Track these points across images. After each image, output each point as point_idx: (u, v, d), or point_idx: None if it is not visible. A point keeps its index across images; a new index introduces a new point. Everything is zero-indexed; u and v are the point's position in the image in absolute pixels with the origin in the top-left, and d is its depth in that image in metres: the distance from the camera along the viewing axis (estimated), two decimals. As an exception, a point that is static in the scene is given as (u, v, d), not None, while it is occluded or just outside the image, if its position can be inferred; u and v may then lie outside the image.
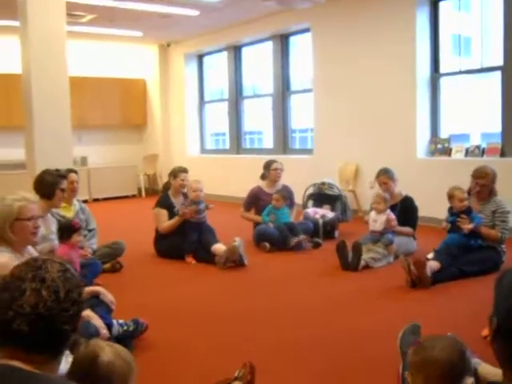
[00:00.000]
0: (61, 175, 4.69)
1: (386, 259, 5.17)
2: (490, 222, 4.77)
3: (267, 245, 5.95)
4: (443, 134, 7.49)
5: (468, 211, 4.73)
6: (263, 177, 6.62)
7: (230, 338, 3.47)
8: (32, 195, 3.36)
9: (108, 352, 1.73)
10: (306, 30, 8.96)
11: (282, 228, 5.99)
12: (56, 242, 4.27)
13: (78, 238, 4.21)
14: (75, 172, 5.39)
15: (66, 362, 1.84)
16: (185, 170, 5.92)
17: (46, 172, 4.71)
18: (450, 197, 4.85)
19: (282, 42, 9.59)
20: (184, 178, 5.85)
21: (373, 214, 5.33)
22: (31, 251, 3.14)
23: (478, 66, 7.32)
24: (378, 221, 5.26)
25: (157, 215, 5.83)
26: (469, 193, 4.86)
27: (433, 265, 4.47)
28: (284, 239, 5.92)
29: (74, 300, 1.39)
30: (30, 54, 6.46)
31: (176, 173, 5.87)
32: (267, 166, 6.57)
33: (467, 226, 4.65)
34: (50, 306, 1.33)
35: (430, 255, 4.81)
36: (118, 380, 1.70)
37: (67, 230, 4.19)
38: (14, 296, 1.33)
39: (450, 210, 4.90)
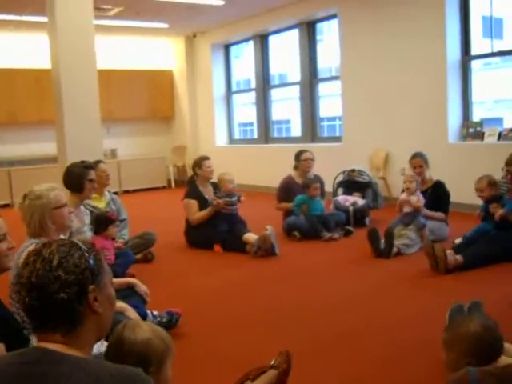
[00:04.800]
0: (87, 166, 4.67)
1: (418, 245, 5.10)
2: None
3: (297, 234, 5.92)
4: (475, 117, 7.35)
5: (497, 199, 4.64)
6: (296, 168, 6.54)
7: (264, 327, 3.47)
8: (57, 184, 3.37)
9: (146, 330, 1.74)
10: (333, 17, 8.86)
11: (314, 221, 5.91)
12: (89, 234, 4.30)
13: (113, 229, 4.26)
14: (103, 162, 5.45)
15: (103, 346, 1.85)
16: (207, 158, 5.98)
17: (71, 165, 4.71)
18: None
19: (309, 29, 9.49)
20: (209, 165, 5.89)
21: (404, 195, 5.27)
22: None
23: (510, 48, 7.13)
24: (409, 202, 5.20)
25: (187, 206, 5.85)
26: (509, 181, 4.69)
27: (452, 259, 4.35)
28: (315, 232, 5.87)
29: (67, 269, 1.38)
30: (58, 48, 6.52)
31: (200, 162, 5.91)
32: (297, 156, 6.45)
33: (499, 212, 4.55)
34: (42, 275, 1.37)
35: (458, 240, 4.72)
36: (155, 357, 1.71)
37: (103, 222, 4.25)
38: (21, 270, 1.44)
39: None
